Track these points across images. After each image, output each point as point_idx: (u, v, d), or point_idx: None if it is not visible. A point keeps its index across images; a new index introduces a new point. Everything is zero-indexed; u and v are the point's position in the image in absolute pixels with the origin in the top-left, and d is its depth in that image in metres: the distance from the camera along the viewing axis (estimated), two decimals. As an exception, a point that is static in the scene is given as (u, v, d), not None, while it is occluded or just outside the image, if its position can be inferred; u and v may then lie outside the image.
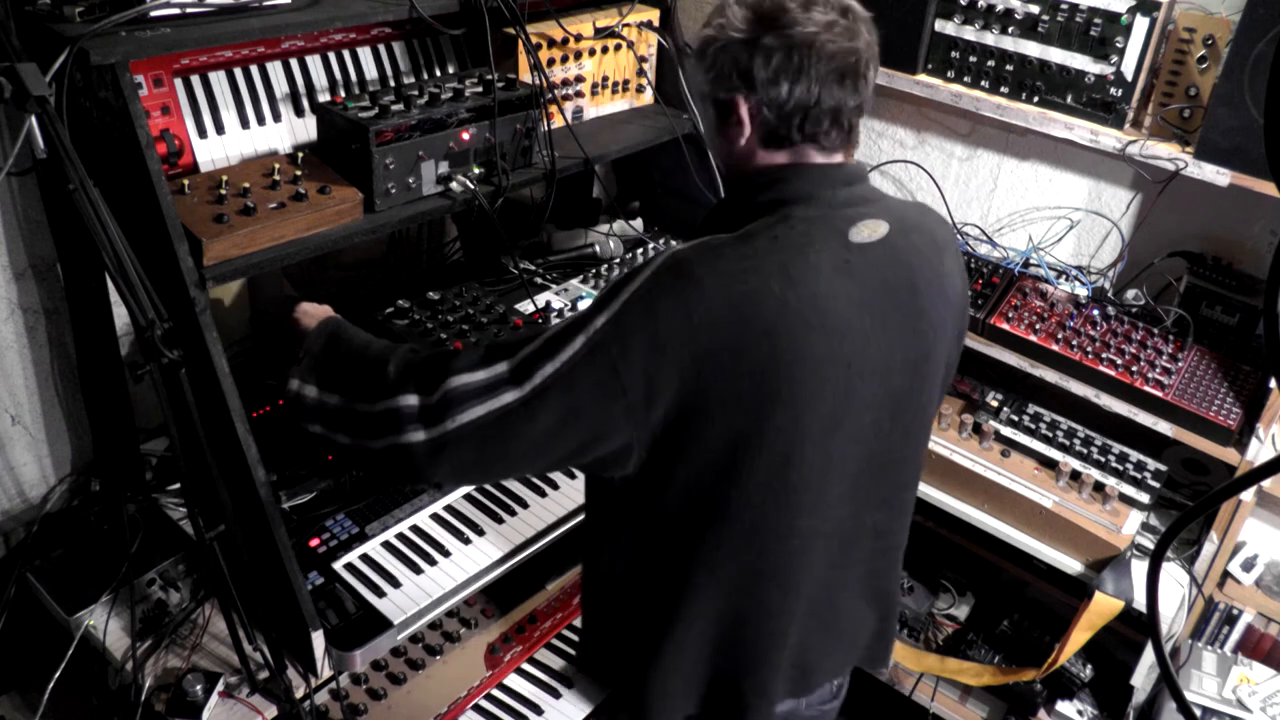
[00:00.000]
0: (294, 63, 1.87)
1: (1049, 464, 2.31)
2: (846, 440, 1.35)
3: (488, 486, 1.97)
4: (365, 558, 1.77)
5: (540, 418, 1.27)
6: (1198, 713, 2.20)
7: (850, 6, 1.33)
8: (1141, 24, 1.99)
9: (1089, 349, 2.20)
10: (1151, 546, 2.23)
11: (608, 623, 1.59)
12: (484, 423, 1.28)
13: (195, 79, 1.73)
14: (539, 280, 2.32)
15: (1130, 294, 2.37)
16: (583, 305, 2.20)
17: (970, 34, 2.17)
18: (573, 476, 2.05)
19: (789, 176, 1.35)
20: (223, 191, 1.62)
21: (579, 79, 2.21)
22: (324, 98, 1.89)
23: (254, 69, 1.81)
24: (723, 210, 1.42)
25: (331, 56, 1.92)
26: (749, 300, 1.23)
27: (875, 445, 1.39)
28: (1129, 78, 2.03)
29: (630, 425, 1.27)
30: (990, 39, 2.15)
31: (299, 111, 1.87)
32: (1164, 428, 2.12)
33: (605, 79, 2.27)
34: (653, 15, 2.33)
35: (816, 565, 1.44)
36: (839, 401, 1.31)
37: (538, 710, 2.14)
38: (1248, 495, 2.09)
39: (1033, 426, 2.37)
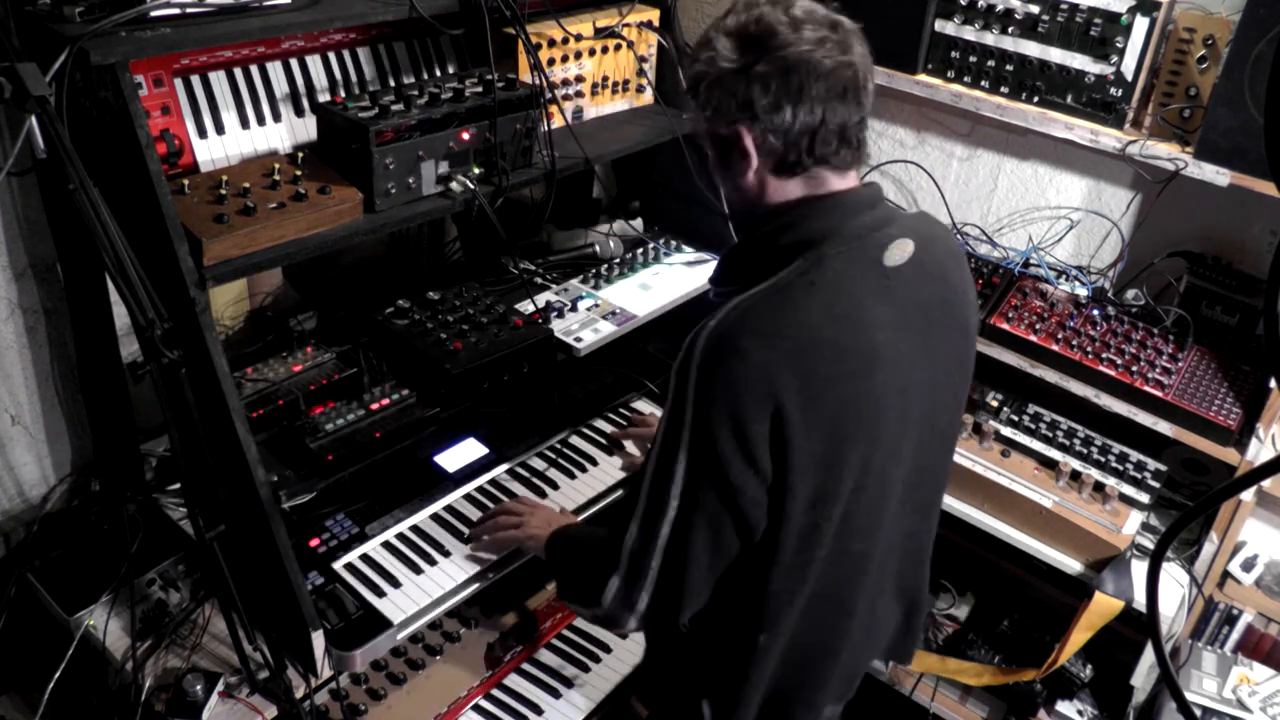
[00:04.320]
0: (294, 63, 1.87)
1: (1049, 464, 2.31)
2: (899, 463, 1.36)
3: (487, 487, 1.98)
4: (365, 558, 1.77)
5: (692, 556, 1.32)
6: (1198, 713, 2.20)
7: (839, 21, 1.29)
8: (1141, 24, 1.99)
9: (1089, 349, 2.20)
10: (1151, 546, 2.23)
11: (672, 665, 1.59)
12: (638, 602, 1.37)
13: (195, 79, 1.73)
14: (539, 280, 2.32)
15: (1130, 294, 2.36)
16: (582, 305, 2.20)
17: (970, 34, 2.17)
18: (572, 477, 2.05)
19: (810, 213, 1.31)
20: (223, 191, 1.62)
21: (579, 79, 2.21)
22: (324, 98, 1.89)
23: (254, 69, 1.81)
24: (744, 257, 1.38)
25: (331, 56, 1.92)
26: (805, 354, 1.22)
27: (917, 460, 1.40)
28: (1129, 78, 2.03)
29: (761, 510, 1.29)
30: (990, 39, 2.15)
31: (299, 111, 1.87)
32: (1164, 428, 2.12)
33: (605, 79, 2.27)
34: (653, 15, 2.32)
35: (868, 583, 1.44)
36: (896, 430, 1.32)
37: (538, 710, 2.14)
38: (1248, 495, 2.09)
39: (1033, 426, 2.37)
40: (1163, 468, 2.28)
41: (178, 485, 1.97)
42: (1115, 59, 2.03)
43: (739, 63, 1.26)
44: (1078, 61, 2.07)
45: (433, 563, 1.78)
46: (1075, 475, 2.27)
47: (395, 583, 1.73)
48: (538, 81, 1.97)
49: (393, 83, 2.00)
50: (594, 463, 2.10)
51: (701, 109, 1.33)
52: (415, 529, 1.85)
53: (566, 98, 2.19)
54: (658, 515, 1.31)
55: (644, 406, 2.30)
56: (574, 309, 2.19)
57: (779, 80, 1.25)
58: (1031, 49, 2.11)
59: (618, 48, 2.26)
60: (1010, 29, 2.13)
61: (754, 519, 1.28)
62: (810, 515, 1.29)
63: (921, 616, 1.65)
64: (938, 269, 1.38)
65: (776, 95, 1.25)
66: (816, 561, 1.33)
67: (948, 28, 2.20)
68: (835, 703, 1.60)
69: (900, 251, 1.31)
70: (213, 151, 1.75)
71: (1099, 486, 2.24)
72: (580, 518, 1.96)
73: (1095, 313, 2.27)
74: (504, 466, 2.02)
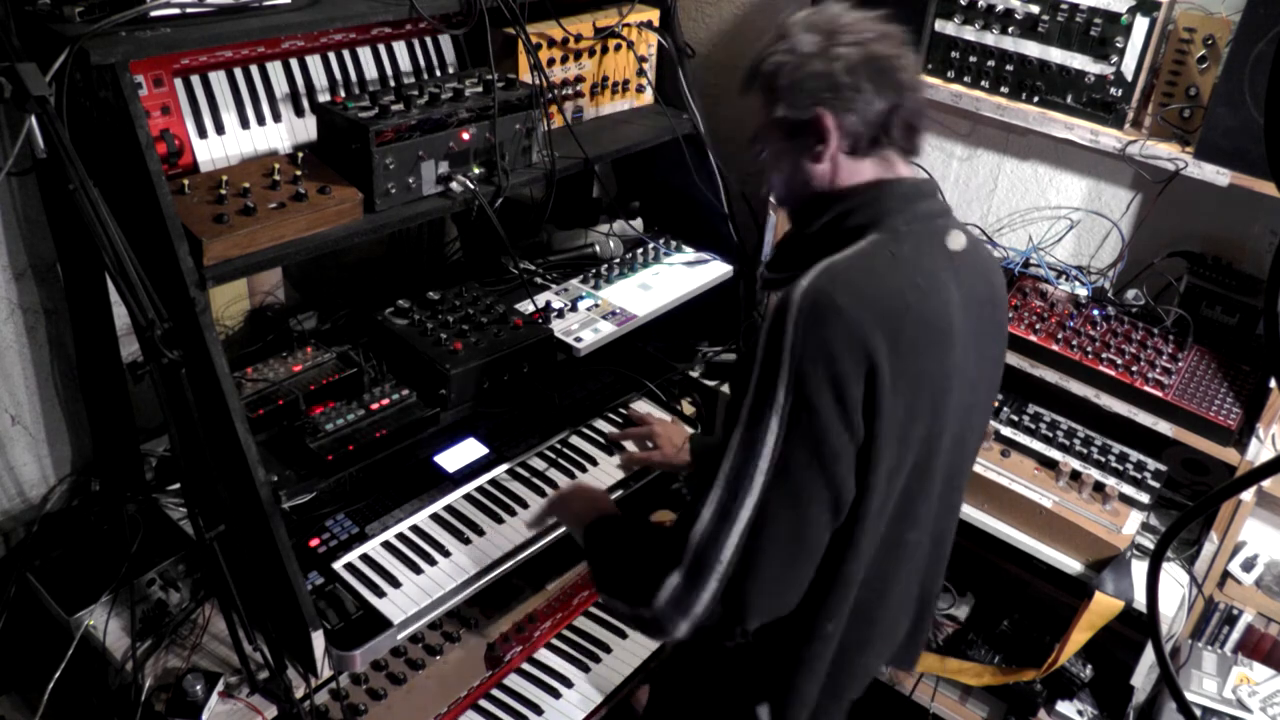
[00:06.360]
0: (294, 63, 1.87)
1: (1049, 464, 2.31)
2: (946, 450, 1.35)
3: (487, 487, 1.98)
4: (365, 558, 1.77)
5: (771, 536, 1.22)
6: (1198, 713, 2.20)
7: (885, 23, 1.35)
8: (1141, 24, 1.99)
9: (1089, 349, 2.20)
10: (1151, 546, 2.22)
11: (717, 671, 1.49)
12: (695, 604, 1.25)
13: (195, 79, 1.73)
14: (539, 280, 2.32)
15: (1130, 294, 2.36)
16: (582, 305, 2.20)
17: (970, 34, 2.17)
18: (572, 477, 2.05)
19: (882, 193, 1.33)
20: (223, 191, 1.62)
21: (579, 79, 2.21)
22: (324, 98, 1.90)
23: (254, 69, 1.81)
24: (806, 240, 1.37)
25: (331, 56, 1.92)
26: (894, 317, 1.22)
27: (955, 453, 1.39)
28: (1129, 78, 2.02)
29: (851, 483, 1.23)
30: (990, 39, 2.15)
31: (299, 111, 1.87)
32: (1164, 428, 2.12)
33: (605, 79, 2.27)
34: (653, 15, 2.33)
35: (906, 575, 1.42)
36: (951, 413, 1.31)
37: (538, 710, 2.14)
38: (1248, 495, 2.09)
39: (1033, 426, 2.37)
40: (1163, 468, 2.28)
41: (178, 485, 1.97)
42: (1115, 59, 2.02)
43: (820, 46, 1.31)
44: (1078, 61, 2.07)
45: (433, 563, 1.78)
46: (1075, 475, 2.27)
47: (395, 583, 1.73)
48: (538, 81, 1.98)
49: (393, 83, 2.00)
50: (594, 463, 2.10)
51: (777, 99, 1.34)
52: (415, 529, 1.85)
53: (566, 98, 2.19)
54: (737, 495, 1.21)
55: (643, 406, 2.30)
56: (574, 309, 2.19)
57: (860, 61, 1.29)
58: (1031, 49, 2.11)
59: (618, 48, 2.26)
60: (1010, 29, 2.13)
61: (845, 494, 1.22)
62: (886, 489, 1.25)
63: (929, 622, 1.62)
64: (987, 267, 1.42)
65: (858, 76, 1.29)
66: (874, 545, 1.30)
67: (948, 28, 2.20)
68: (852, 699, 1.55)
69: (958, 241, 1.34)
70: (213, 151, 1.75)
71: (1099, 486, 2.24)
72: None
73: (1095, 313, 2.27)
74: (504, 466, 2.02)
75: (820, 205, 1.36)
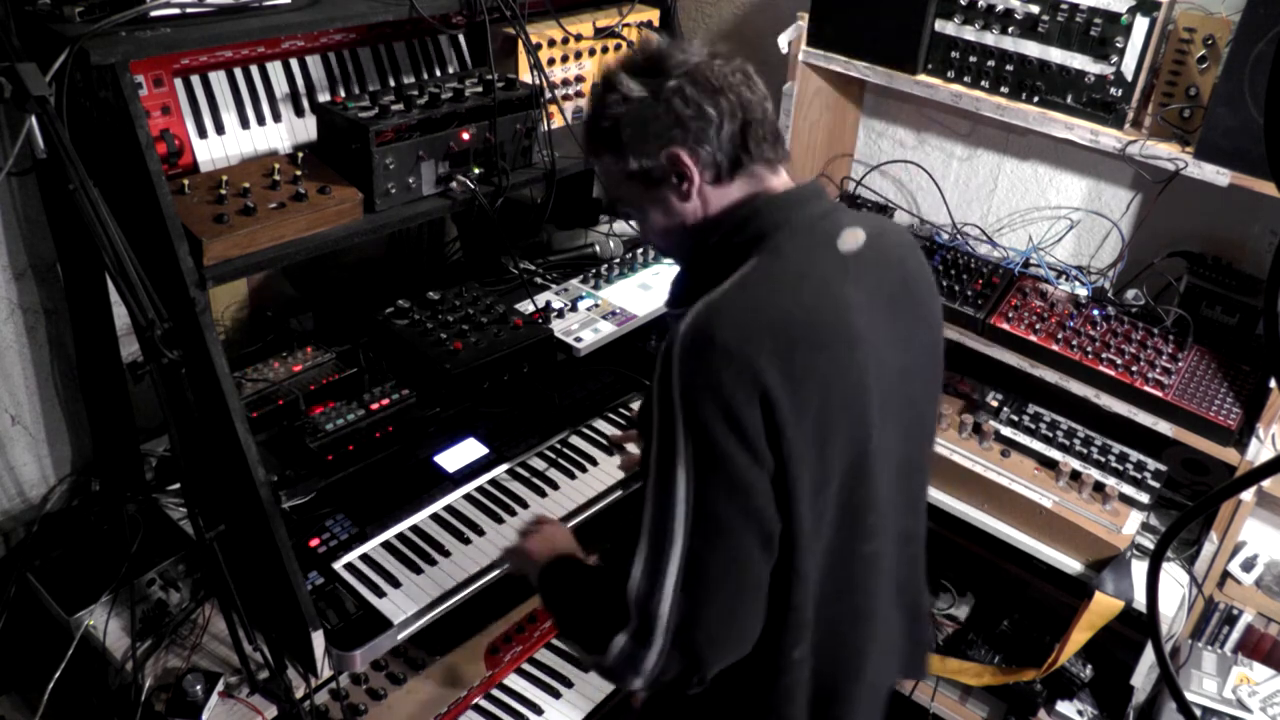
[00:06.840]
0: (294, 63, 1.87)
1: (1049, 464, 2.31)
2: (887, 451, 1.31)
3: (487, 487, 1.98)
4: (365, 558, 1.77)
5: (712, 573, 1.19)
6: (1198, 713, 2.20)
7: (708, 45, 1.33)
8: (1141, 24, 1.99)
9: (1089, 349, 2.20)
10: (1151, 546, 2.22)
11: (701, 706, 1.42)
12: (644, 661, 1.22)
13: (195, 79, 1.73)
14: (539, 280, 2.32)
15: (1130, 294, 2.36)
16: (583, 305, 2.20)
17: (970, 34, 2.17)
18: (572, 477, 2.05)
19: (757, 210, 1.30)
20: (223, 191, 1.62)
21: (579, 79, 2.21)
22: (324, 98, 1.90)
23: (254, 69, 1.81)
24: (697, 272, 1.34)
25: (331, 56, 1.92)
26: (780, 338, 1.19)
27: (903, 451, 1.36)
28: (1129, 78, 2.02)
29: (773, 510, 1.20)
30: (990, 39, 2.15)
31: (299, 111, 1.87)
32: (1164, 428, 2.12)
33: (605, 79, 2.27)
34: (653, 15, 2.33)
35: (882, 585, 1.39)
36: (879, 415, 1.28)
37: (538, 710, 2.14)
38: (1248, 495, 2.09)
39: (1033, 426, 2.37)
40: (1163, 468, 2.28)
41: (178, 485, 1.97)
42: (1115, 59, 2.02)
43: (649, 88, 1.28)
44: (1078, 61, 2.07)
45: (433, 563, 1.78)
46: (1075, 475, 2.27)
47: (395, 583, 1.73)
48: (538, 81, 1.97)
49: (393, 83, 2.00)
50: (594, 463, 2.10)
51: (626, 153, 1.31)
52: (415, 529, 1.85)
53: (566, 98, 2.19)
54: (662, 549, 1.20)
55: (644, 406, 2.30)
56: (574, 309, 2.19)
57: (694, 89, 1.26)
58: (1031, 49, 2.11)
59: (618, 48, 2.26)
60: (1010, 29, 2.13)
61: (769, 526, 1.21)
62: (815, 510, 1.23)
63: (925, 626, 1.58)
64: (894, 255, 1.37)
65: (698, 103, 1.26)
66: (820, 566, 1.28)
67: (948, 28, 2.20)
68: None
69: (853, 238, 1.31)
70: (213, 151, 1.75)
71: (1099, 486, 2.24)
72: (580, 519, 1.97)
73: (1095, 313, 2.27)
74: (504, 466, 2.02)
75: (699, 238, 1.34)
